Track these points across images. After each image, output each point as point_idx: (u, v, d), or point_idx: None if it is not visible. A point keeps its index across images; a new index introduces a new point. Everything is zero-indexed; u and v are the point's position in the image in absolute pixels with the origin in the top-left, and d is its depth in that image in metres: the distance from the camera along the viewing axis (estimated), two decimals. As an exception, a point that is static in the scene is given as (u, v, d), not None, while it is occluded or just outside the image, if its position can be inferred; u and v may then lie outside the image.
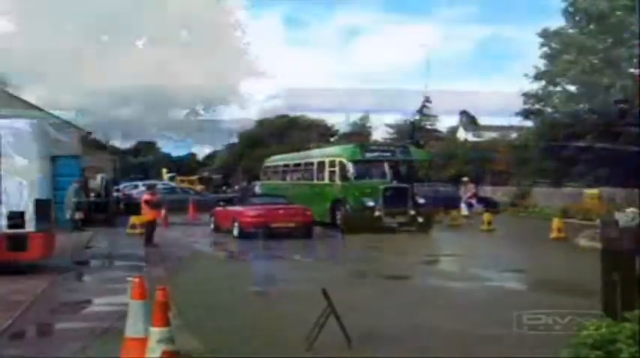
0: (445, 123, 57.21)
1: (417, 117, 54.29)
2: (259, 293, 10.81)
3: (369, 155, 23.57)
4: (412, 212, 21.64)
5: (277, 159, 32.05)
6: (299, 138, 54.66)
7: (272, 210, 20.49)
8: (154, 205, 18.68)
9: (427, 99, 55.26)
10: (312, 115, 66.03)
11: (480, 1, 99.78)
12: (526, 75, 29.72)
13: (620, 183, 24.86)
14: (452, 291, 11.25)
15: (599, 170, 26.81)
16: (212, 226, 22.62)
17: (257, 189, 34.70)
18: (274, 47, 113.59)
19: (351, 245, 18.88)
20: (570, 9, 27.65)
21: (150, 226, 17.99)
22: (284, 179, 28.90)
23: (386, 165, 23.61)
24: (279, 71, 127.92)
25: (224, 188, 50.23)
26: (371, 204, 21.38)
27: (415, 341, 7.36)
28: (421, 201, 22.52)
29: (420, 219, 21.51)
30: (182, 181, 47.82)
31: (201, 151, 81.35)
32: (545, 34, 28.71)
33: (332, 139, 59.75)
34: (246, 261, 16.25)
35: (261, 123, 66.38)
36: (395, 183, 22.61)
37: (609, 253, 5.60)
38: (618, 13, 24.84)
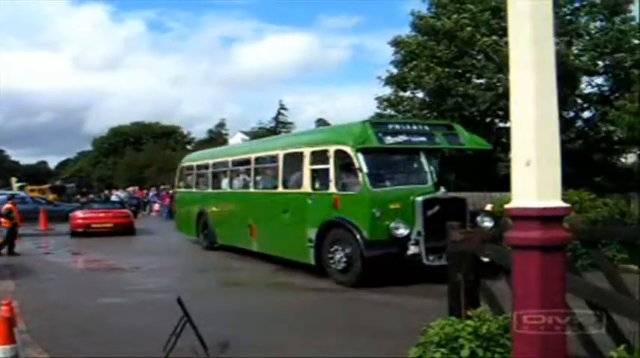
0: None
1: (273, 125, 54.71)
2: (115, 305, 10.56)
3: (390, 139, 12.42)
4: None
5: (205, 155, 21.22)
6: (155, 145, 53.83)
7: (96, 212, 25.43)
8: (4, 215, 18.55)
9: (282, 107, 56.06)
10: (167, 122, 65.23)
11: (361, 11, 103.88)
12: (379, 77, 30.37)
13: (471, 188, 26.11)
14: None
15: (452, 174, 28.07)
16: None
17: (113, 198, 33.56)
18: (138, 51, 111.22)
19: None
20: (417, 23, 28.94)
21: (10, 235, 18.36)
22: (217, 186, 18.63)
23: (423, 158, 12.69)
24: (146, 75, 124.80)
25: (77, 196, 48.63)
26: (402, 231, 11.71)
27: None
28: (487, 223, 12.57)
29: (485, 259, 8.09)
30: (32, 191, 45.74)
31: (53, 159, 78.08)
32: (396, 42, 29.61)
33: (189, 147, 59.09)
34: (99, 271, 15.66)
35: (114, 130, 64.51)
36: (443, 192, 12.22)
37: (453, 254, 5.82)
38: (468, 29, 26.30)
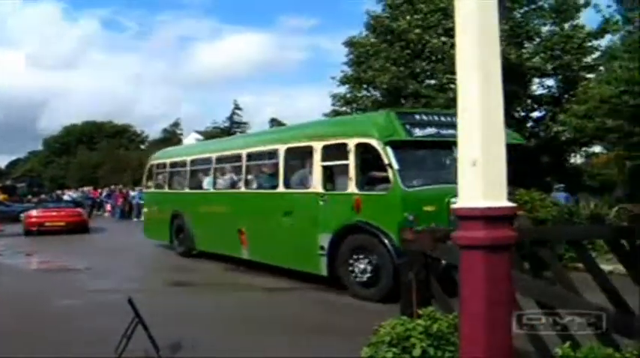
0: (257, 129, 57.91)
1: (227, 125, 54.54)
2: (66, 306, 10.35)
3: (419, 132, 10.90)
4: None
5: (181, 152, 19.55)
6: (108, 144, 53.24)
7: (50, 211, 25.99)
8: None
9: (237, 107, 55.94)
10: (123, 121, 64.54)
11: (320, 12, 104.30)
12: (333, 78, 30.65)
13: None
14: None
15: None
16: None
17: (65, 198, 32.88)
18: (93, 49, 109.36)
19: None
20: (373, 22, 29.11)
21: None
22: (197, 186, 16.61)
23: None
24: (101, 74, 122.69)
25: (29, 196, 47.70)
26: None
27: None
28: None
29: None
30: (-18, 191, 44.57)
31: (3, 159, 76.41)
32: (351, 43, 29.83)
33: (142, 146, 58.48)
34: (51, 272, 15.34)
35: (67, 129, 63.38)
36: None
37: (405, 254, 5.86)
38: (417, 30, 26.66)
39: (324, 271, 11.28)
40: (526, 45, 26.92)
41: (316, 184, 11.64)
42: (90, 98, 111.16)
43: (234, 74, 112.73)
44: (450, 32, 24.98)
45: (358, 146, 10.84)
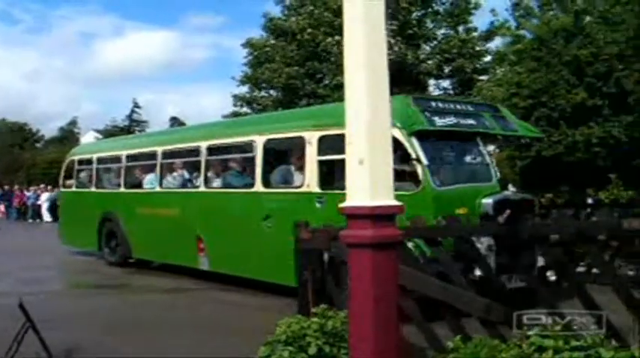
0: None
1: (127, 123, 53.31)
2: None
3: (439, 121, 9.20)
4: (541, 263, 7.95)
5: (113, 145, 16.96)
6: (1, 142, 50.77)
7: None
8: None
9: (136, 105, 54.75)
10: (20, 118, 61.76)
11: (226, 10, 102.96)
12: (233, 78, 30.75)
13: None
14: None
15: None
16: None
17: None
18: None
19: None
20: (269, 25, 29.36)
21: None
22: (136, 184, 14.09)
23: (481, 146, 9.80)
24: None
25: None
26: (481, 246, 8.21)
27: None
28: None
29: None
30: None
31: None
32: (250, 44, 29.99)
33: (38, 145, 56.17)
34: None
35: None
36: (513, 191, 10.98)
37: (301, 252, 5.89)
38: (309, 30, 27.04)
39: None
40: (423, 47, 27.76)
41: (310, 182, 9.69)
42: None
43: (136, 72, 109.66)
44: (341, 31, 25.44)
45: None
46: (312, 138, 9.71)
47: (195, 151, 12.21)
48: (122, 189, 14.38)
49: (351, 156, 3.31)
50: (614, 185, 15.45)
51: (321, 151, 9.55)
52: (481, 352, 4.25)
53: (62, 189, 17.58)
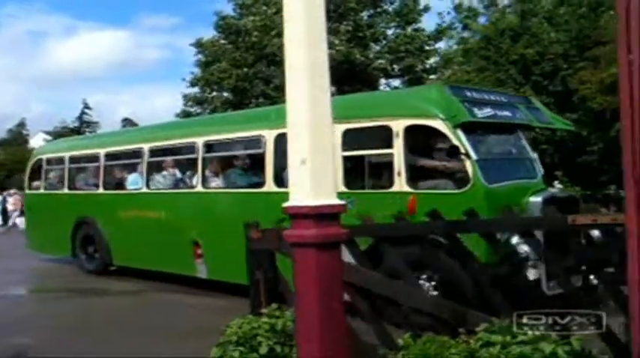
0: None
1: (77, 125, 52.46)
2: None
3: (479, 112, 8.20)
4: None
5: (90, 142, 16.16)
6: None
7: None
8: None
9: (87, 106, 53.96)
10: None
11: (180, 11, 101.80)
12: (184, 79, 30.61)
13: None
14: None
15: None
16: None
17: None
18: None
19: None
20: (221, 23, 29.19)
21: None
22: (117, 185, 13.00)
23: (524, 139, 9.32)
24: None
25: None
26: (525, 248, 7.23)
27: None
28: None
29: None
30: None
31: None
32: (199, 44, 29.80)
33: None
34: None
35: None
36: (560, 189, 9.85)
37: (252, 253, 5.87)
38: (255, 33, 27.00)
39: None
40: (372, 46, 27.98)
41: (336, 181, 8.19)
42: None
43: (88, 72, 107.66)
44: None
45: (409, 129, 8.17)
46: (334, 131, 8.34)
47: (190, 148, 11.19)
48: (100, 191, 13.23)
49: (294, 155, 3.33)
50: (560, 182, 15.83)
51: (346, 147, 8.60)
52: (430, 348, 4.35)
53: (28, 191, 16.20)
